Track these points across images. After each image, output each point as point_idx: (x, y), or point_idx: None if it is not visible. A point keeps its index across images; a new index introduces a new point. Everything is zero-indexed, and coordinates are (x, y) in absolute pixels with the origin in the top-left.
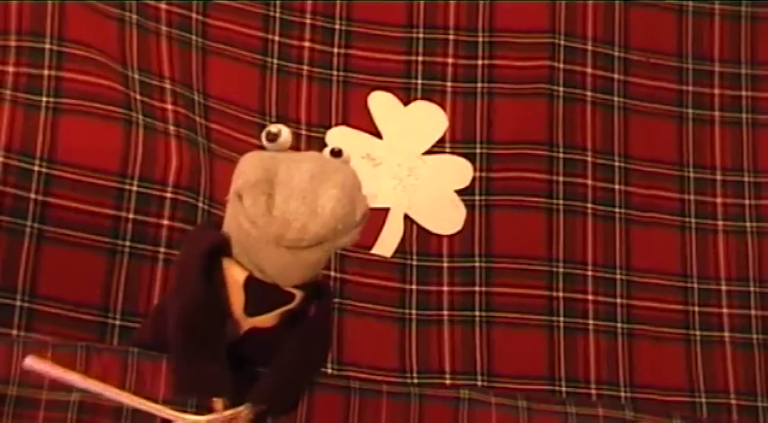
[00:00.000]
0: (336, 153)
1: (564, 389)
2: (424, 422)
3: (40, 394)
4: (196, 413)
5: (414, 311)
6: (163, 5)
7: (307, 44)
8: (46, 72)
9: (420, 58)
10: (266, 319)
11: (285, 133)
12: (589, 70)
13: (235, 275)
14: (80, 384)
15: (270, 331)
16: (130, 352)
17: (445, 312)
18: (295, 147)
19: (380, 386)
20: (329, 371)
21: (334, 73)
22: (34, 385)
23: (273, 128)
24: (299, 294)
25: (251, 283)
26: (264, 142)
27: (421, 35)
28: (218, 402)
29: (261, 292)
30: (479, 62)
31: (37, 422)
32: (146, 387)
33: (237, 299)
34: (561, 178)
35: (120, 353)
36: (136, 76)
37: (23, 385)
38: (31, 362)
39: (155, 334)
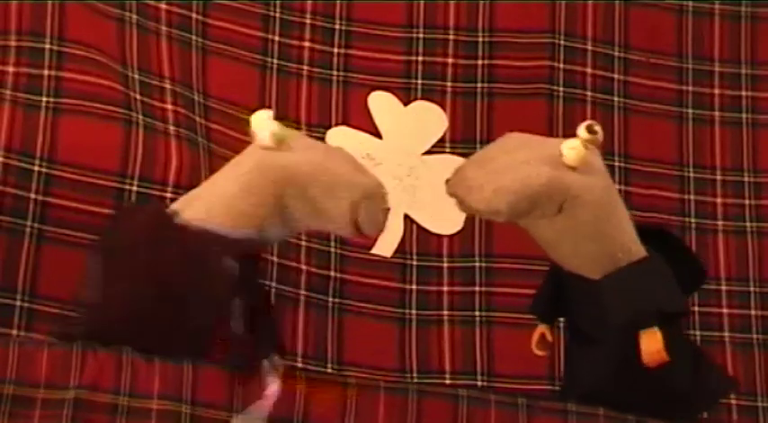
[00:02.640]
0: None
1: None
2: (422, 418)
3: (37, 393)
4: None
5: (414, 311)
6: (163, 5)
7: (307, 44)
8: (46, 72)
9: (420, 58)
10: None
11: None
12: (589, 70)
13: None
14: None
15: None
16: (125, 351)
17: (445, 312)
18: None
19: (378, 382)
20: (329, 370)
21: (334, 73)
22: (30, 384)
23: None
24: None
25: None
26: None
27: (421, 35)
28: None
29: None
30: (479, 62)
31: (33, 420)
32: (140, 386)
33: None
34: None
35: (114, 351)
36: (136, 76)
37: (20, 384)
38: None
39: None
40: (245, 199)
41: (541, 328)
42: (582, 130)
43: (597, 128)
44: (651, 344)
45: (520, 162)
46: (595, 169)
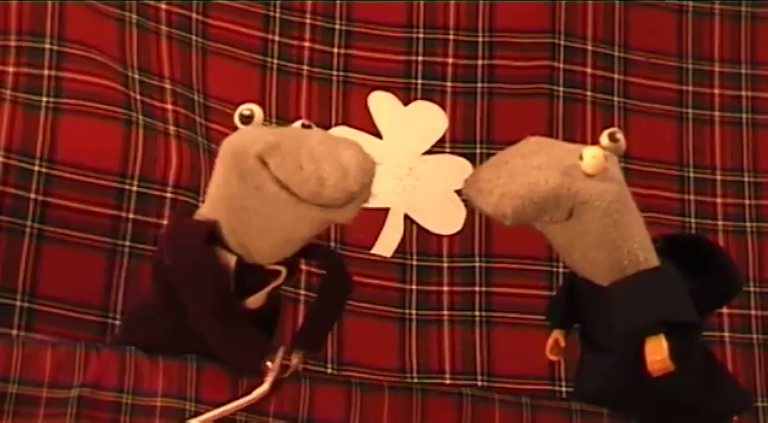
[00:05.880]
0: (306, 127)
1: (564, 389)
2: (427, 418)
3: (41, 392)
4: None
5: (414, 311)
6: (163, 5)
7: (307, 44)
8: (46, 72)
9: (420, 58)
10: (256, 299)
11: (258, 113)
12: (589, 70)
13: (225, 261)
14: None
15: (258, 310)
16: (128, 349)
17: (445, 312)
18: None
19: (382, 382)
20: (329, 370)
21: (334, 73)
22: (34, 383)
23: (246, 110)
24: (283, 270)
25: (240, 267)
26: (239, 125)
27: (421, 35)
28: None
29: (250, 274)
30: (479, 62)
31: (37, 420)
32: (144, 384)
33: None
34: None
35: (118, 350)
36: (136, 76)
37: (23, 383)
38: None
39: (144, 334)
40: (222, 187)
41: (556, 334)
42: (604, 138)
43: (619, 135)
44: (656, 352)
45: (531, 167)
46: (610, 176)
